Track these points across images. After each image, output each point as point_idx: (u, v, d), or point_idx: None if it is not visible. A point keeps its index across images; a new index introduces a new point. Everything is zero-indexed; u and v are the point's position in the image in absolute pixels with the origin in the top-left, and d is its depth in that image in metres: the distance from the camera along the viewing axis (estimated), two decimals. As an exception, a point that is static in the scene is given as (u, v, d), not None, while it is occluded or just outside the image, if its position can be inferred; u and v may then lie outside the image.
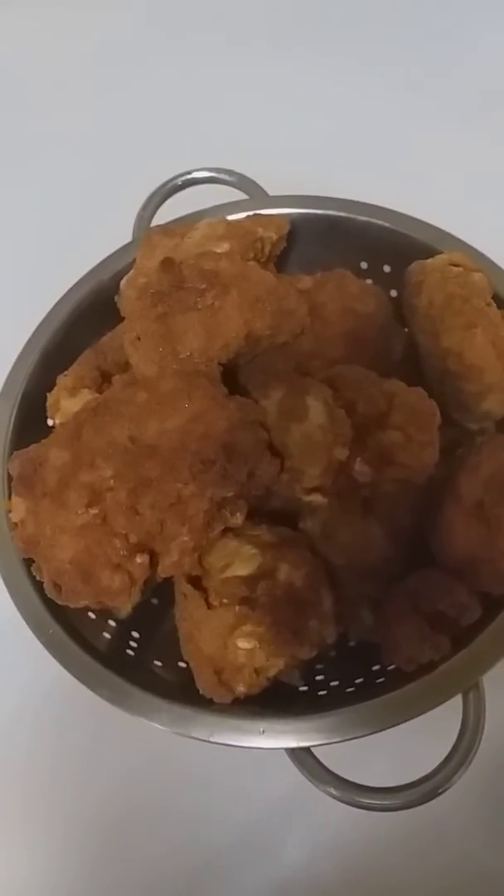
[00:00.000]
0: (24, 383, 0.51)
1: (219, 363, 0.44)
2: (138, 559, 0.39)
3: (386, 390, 0.43)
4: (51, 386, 0.51)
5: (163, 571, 0.40)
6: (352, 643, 0.47)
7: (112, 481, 0.39)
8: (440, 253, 0.52)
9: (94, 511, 0.39)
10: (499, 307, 0.49)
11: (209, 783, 0.51)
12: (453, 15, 0.88)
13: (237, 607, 0.40)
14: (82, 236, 0.60)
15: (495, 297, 0.49)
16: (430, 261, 0.50)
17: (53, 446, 0.41)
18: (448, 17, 0.88)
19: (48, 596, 0.42)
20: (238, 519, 0.41)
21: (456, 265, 0.49)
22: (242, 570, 0.41)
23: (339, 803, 0.40)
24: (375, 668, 0.46)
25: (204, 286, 0.43)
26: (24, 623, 0.44)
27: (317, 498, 0.42)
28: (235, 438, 0.39)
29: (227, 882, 0.49)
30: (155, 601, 0.50)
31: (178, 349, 0.43)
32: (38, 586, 0.44)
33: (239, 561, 0.41)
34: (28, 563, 0.44)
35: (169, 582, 0.44)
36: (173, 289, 0.43)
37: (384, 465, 0.42)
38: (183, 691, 0.43)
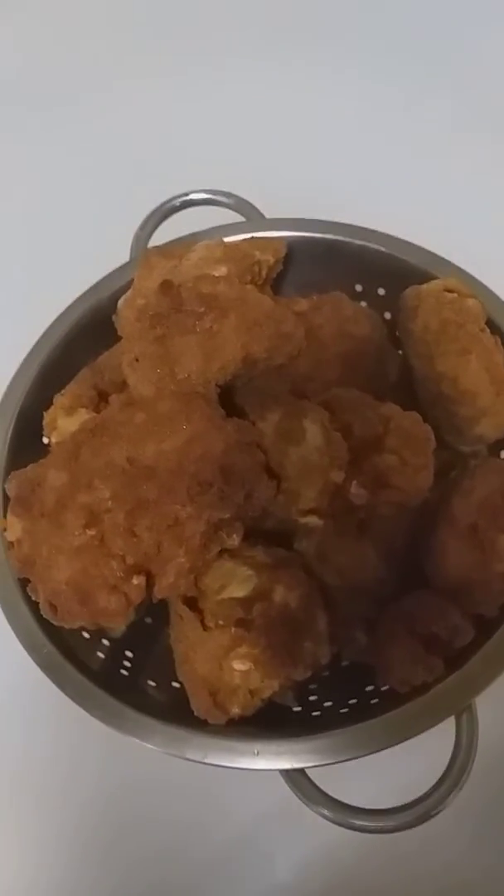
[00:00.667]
0: (21, 401, 0.51)
1: (216, 385, 0.44)
2: (135, 580, 0.39)
3: (382, 414, 0.44)
4: (47, 404, 0.51)
5: (159, 593, 0.40)
6: (345, 663, 0.48)
7: (110, 503, 0.39)
8: (434, 277, 0.53)
9: (91, 532, 0.39)
10: (492, 332, 0.49)
11: (199, 796, 0.51)
12: (453, 34, 0.89)
13: (233, 629, 0.40)
14: (80, 255, 0.61)
15: (489, 323, 0.50)
16: (425, 286, 0.51)
17: (51, 467, 0.41)
18: (448, 36, 0.89)
19: (43, 616, 0.42)
20: (235, 540, 0.41)
21: (450, 291, 0.50)
22: (238, 591, 0.41)
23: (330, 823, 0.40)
24: (369, 688, 0.46)
25: (202, 309, 0.43)
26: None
27: (312, 519, 0.43)
28: (233, 460, 0.40)
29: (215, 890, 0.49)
30: (149, 620, 0.50)
31: (175, 371, 0.43)
32: (33, 606, 0.43)
33: (235, 582, 0.42)
34: (23, 582, 0.44)
35: (163, 601, 0.44)
36: (172, 311, 0.43)
37: (379, 487, 0.43)
38: (176, 712, 0.43)
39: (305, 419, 0.42)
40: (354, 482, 0.42)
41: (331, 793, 0.40)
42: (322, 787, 0.41)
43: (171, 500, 0.39)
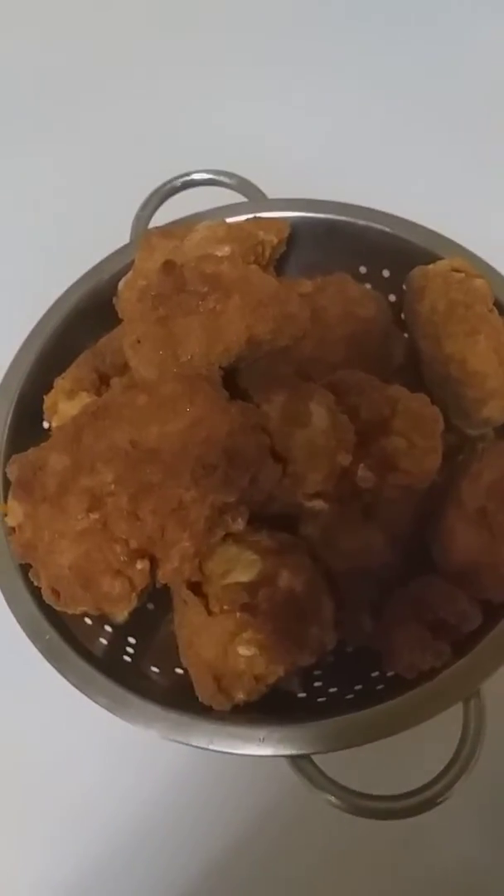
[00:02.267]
0: (21, 385, 0.50)
1: (220, 367, 0.43)
2: (139, 565, 0.38)
3: (389, 396, 0.43)
4: (47, 388, 0.50)
5: (163, 577, 0.39)
6: (350, 649, 0.47)
7: (113, 486, 0.38)
8: (439, 258, 0.52)
9: (94, 516, 0.38)
10: (500, 313, 0.49)
11: (203, 782, 0.51)
12: (457, 17, 0.88)
13: (238, 614, 0.40)
14: (80, 237, 0.60)
15: (496, 304, 0.49)
16: (431, 266, 0.50)
17: (53, 450, 0.40)
18: (452, 19, 0.88)
19: (46, 602, 0.41)
20: (239, 524, 0.40)
21: (457, 271, 0.49)
22: (243, 576, 0.41)
23: (337, 810, 0.40)
24: (375, 674, 0.46)
25: (206, 289, 0.42)
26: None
27: (318, 503, 0.42)
28: (237, 443, 0.39)
29: (224, 888, 0.49)
30: (151, 606, 0.49)
31: (178, 353, 0.42)
32: (34, 591, 0.43)
33: (240, 567, 0.41)
34: (24, 567, 0.43)
35: (165, 587, 0.43)
36: (174, 292, 0.42)
37: (387, 471, 0.42)
38: (180, 698, 0.43)
39: (311, 401, 0.42)
40: (361, 465, 0.42)
41: (336, 778, 0.40)
42: (328, 772, 0.40)
43: (175, 483, 0.38)
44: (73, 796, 0.51)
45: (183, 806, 0.51)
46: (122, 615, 0.46)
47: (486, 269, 0.51)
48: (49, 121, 0.83)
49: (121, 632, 0.48)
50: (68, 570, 0.38)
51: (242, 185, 0.58)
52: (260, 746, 0.40)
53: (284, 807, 0.49)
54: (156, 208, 0.58)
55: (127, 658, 0.48)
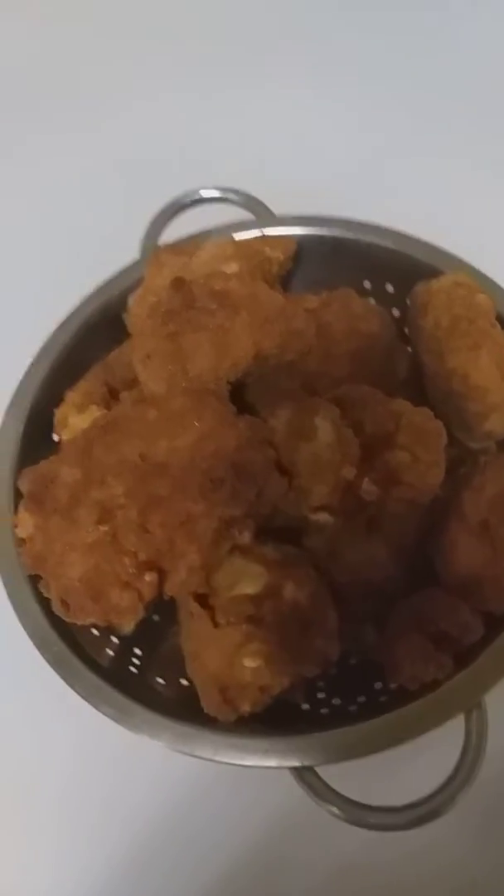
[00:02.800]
0: (32, 398, 0.51)
1: (227, 382, 0.44)
2: (147, 577, 0.39)
3: (393, 410, 0.44)
4: (58, 401, 0.51)
5: (170, 590, 0.40)
6: (353, 661, 0.48)
7: (122, 499, 0.39)
8: (442, 273, 0.53)
9: (104, 528, 0.39)
10: (502, 328, 0.49)
11: (206, 792, 0.51)
12: (458, 31, 0.89)
13: (244, 626, 0.40)
14: (90, 253, 0.60)
15: (499, 318, 0.50)
16: (435, 282, 0.50)
17: (64, 463, 0.41)
18: (453, 34, 0.89)
19: (55, 613, 0.42)
20: (246, 537, 0.41)
21: (461, 286, 0.49)
22: (249, 588, 0.41)
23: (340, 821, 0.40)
24: (377, 686, 0.46)
25: (214, 306, 0.43)
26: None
27: (324, 516, 0.43)
28: (245, 457, 0.40)
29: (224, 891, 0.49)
30: (157, 618, 0.50)
31: (187, 368, 0.43)
32: (43, 603, 0.44)
33: (246, 579, 0.41)
34: (33, 579, 0.44)
35: (171, 599, 0.44)
36: (184, 308, 0.43)
37: (390, 484, 0.43)
38: (185, 709, 0.43)
39: (317, 416, 0.42)
40: (366, 479, 0.42)
41: (339, 790, 0.40)
42: (331, 784, 0.40)
43: (183, 496, 0.39)
44: (76, 810, 0.52)
45: (185, 817, 0.51)
46: (128, 626, 0.47)
47: (488, 285, 0.52)
48: (58, 137, 0.84)
49: (127, 643, 0.49)
50: (78, 582, 0.39)
51: (250, 202, 0.59)
52: (264, 758, 0.40)
53: (288, 818, 0.49)
54: (165, 225, 0.59)
55: (133, 669, 0.48)
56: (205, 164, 0.64)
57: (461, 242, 0.55)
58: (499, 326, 0.49)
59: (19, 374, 0.52)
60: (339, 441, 0.42)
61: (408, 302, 0.53)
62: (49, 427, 0.51)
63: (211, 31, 0.92)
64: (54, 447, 0.51)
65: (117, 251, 0.56)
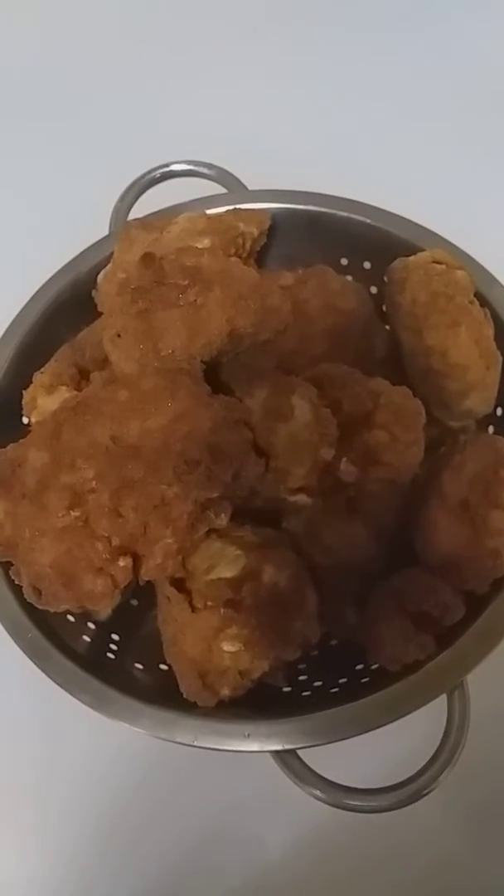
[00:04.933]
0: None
1: (201, 361, 0.43)
2: (121, 562, 0.38)
3: (371, 389, 0.43)
4: (27, 383, 0.50)
5: (146, 574, 0.39)
6: (334, 642, 0.47)
7: (94, 483, 0.38)
8: (420, 249, 0.52)
9: (75, 513, 0.38)
10: (481, 305, 0.49)
11: (187, 775, 0.50)
12: (438, 12, 0.87)
13: (222, 610, 0.40)
14: (57, 229, 0.59)
15: (477, 295, 0.49)
16: (412, 258, 0.50)
17: (32, 446, 0.40)
18: (433, 14, 0.87)
19: (27, 600, 0.41)
20: (223, 520, 0.40)
21: (438, 262, 0.49)
22: (227, 571, 0.41)
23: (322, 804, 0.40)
24: (359, 667, 0.46)
25: (186, 282, 0.42)
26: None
27: (302, 498, 0.42)
28: (220, 438, 0.39)
29: (208, 875, 0.49)
30: (135, 602, 0.49)
31: (159, 347, 0.42)
32: (16, 589, 0.43)
33: (223, 563, 0.41)
34: (5, 565, 0.43)
35: (149, 583, 0.43)
36: (154, 285, 0.42)
37: (369, 464, 0.42)
38: (165, 694, 0.43)
39: (293, 395, 0.41)
40: (344, 459, 0.42)
41: (322, 772, 0.40)
42: (313, 766, 0.40)
43: (157, 479, 0.38)
44: (52, 794, 0.51)
45: (165, 800, 0.50)
46: (105, 612, 0.46)
47: (466, 261, 0.51)
48: (26, 113, 0.82)
49: (104, 629, 0.48)
50: (50, 569, 0.38)
51: (222, 176, 0.58)
52: (245, 742, 0.40)
53: (270, 801, 0.49)
54: (135, 200, 0.57)
55: (111, 655, 0.47)
56: (177, 139, 0.61)
57: (439, 218, 0.54)
58: (477, 303, 0.48)
59: (-15, 355, 0.51)
60: (316, 421, 0.41)
61: (385, 279, 0.52)
62: (18, 409, 0.50)
63: (188, 9, 0.90)
64: (24, 430, 0.50)
65: (86, 226, 0.55)
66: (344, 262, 0.57)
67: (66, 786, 0.51)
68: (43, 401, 0.47)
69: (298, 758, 0.40)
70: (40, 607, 0.41)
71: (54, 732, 0.52)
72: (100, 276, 0.52)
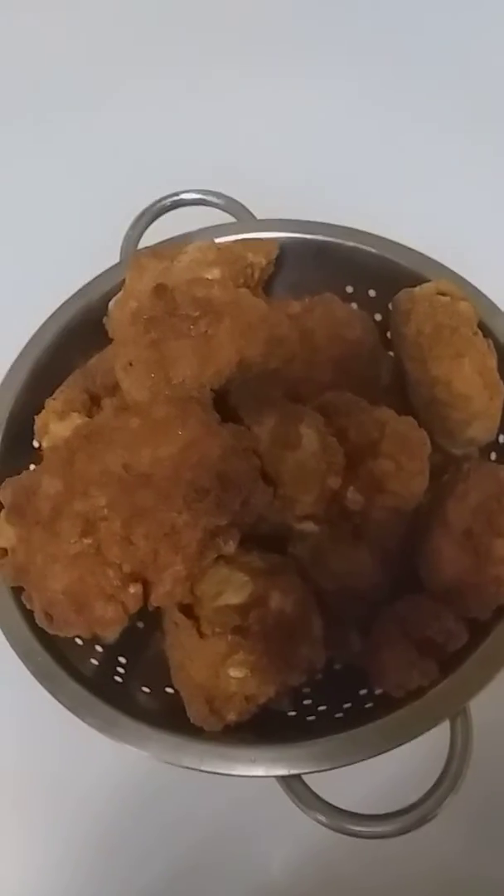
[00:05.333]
0: (11, 405, 0.51)
1: (210, 389, 0.44)
2: (132, 589, 0.38)
3: (377, 418, 0.44)
4: (38, 407, 0.50)
5: (156, 601, 0.40)
6: (338, 666, 0.48)
7: (106, 510, 0.38)
8: (425, 279, 0.53)
9: (87, 541, 0.38)
10: (484, 336, 0.50)
11: (192, 798, 0.51)
12: (447, 36, 0.89)
13: (230, 636, 0.40)
14: (69, 256, 0.60)
15: (480, 326, 0.50)
16: (417, 290, 0.50)
17: (46, 474, 0.40)
18: (442, 38, 0.89)
19: (38, 625, 0.42)
20: (231, 547, 0.41)
21: (443, 294, 0.50)
22: (235, 598, 0.41)
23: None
24: (363, 692, 0.46)
25: (197, 313, 0.43)
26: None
27: (309, 525, 0.43)
28: (229, 466, 0.39)
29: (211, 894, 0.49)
30: (140, 625, 0.49)
31: (170, 375, 0.43)
32: (26, 613, 0.43)
33: (231, 589, 0.41)
34: (15, 589, 0.43)
35: (156, 607, 0.44)
36: (166, 315, 0.43)
37: (375, 492, 0.43)
38: (171, 718, 0.43)
39: (301, 424, 0.42)
40: (351, 488, 0.42)
41: (325, 796, 0.40)
42: (315, 789, 0.40)
43: (167, 507, 0.38)
44: (56, 813, 0.51)
45: (168, 822, 0.51)
46: (112, 635, 0.47)
47: (470, 291, 0.52)
48: (38, 138, 0.83)
49: (111, 651, 0.48)
50: (62, 595, 0.38)
51: (231, 206, 0.59)
52: (251, 767, 0.40)
53: (273, 825, 0.49)
54: (146, 227, 0.58)
55: (118, 679, 0.48)
56: (187, 168, 0.63)
57: (443, 248, 0.55)
58: (481, 334, 0.49)
59: (-1, 380, 0.52)
60: (323, 450, 0.42)
61: (390, 308, 0.53)
62: (30, 434, 0.51)
63: (195, 36, 0.91)
64: (36, 454, 0.50)
65: (97, 254, 0.55)
66: (349, 289, 0.58)
67: (74, 804, 0.51)
68: (55, 426, 0.48)
69: (303, 782, 0.41)
70: (51, 632, 0.41)
71: (60, 753, 0.52)
72: (111, 304, 0.53)
